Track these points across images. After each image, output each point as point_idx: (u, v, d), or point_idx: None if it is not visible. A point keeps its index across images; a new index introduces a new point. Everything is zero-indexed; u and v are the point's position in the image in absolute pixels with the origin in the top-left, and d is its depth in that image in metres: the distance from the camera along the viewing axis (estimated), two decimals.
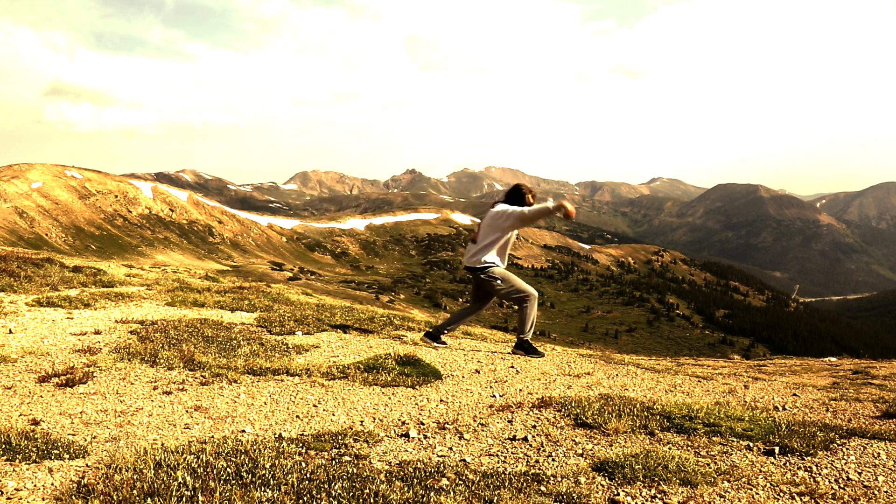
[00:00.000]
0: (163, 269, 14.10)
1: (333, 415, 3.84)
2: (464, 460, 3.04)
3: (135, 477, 2.49)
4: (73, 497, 2.37)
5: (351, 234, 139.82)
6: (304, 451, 3.04)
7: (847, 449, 3.23)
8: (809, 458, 3.10)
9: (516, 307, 6.29)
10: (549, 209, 5.74)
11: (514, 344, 6.48)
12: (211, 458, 2.73)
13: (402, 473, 2.76)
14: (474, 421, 3.71)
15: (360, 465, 2.84)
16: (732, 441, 3.33)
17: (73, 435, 3.26)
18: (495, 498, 2.53)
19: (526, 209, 5.96)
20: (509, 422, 3.69)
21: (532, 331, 6.27)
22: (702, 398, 4.47)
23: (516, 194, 6.19)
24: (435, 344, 6.42)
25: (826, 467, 2.98)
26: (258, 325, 6.87)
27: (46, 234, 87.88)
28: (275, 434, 3.39)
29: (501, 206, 6.12)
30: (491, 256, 6.16)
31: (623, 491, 2.68)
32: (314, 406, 4.01)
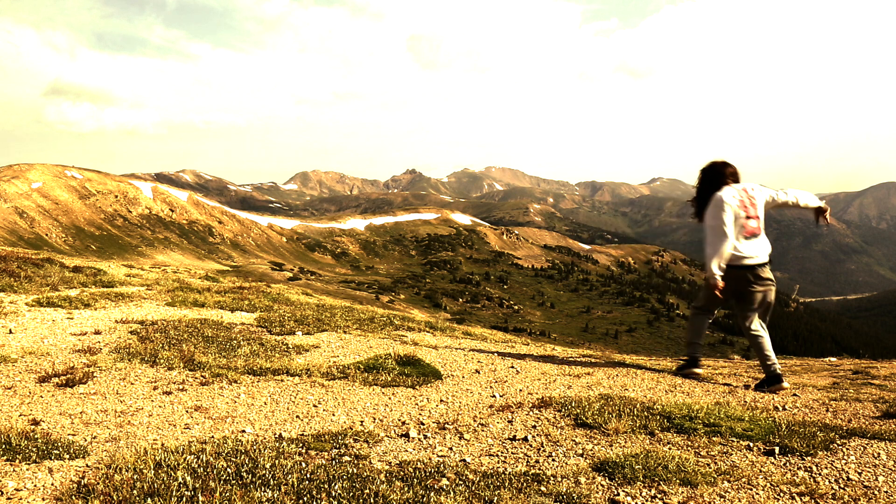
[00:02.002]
0: (163, 269, 14.10)
1: (333, 415, 3.84)
2: (464, 460, 3.04)
3: (135, 477, 2.49)
4: (73, 497, 2.37)
5: (351, 234, 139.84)
6: (304, 451, 3.04)
7: (847, 449, 3.23)
8: (809, 458, 3.10)
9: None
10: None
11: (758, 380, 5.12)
12: (211, 458, 2.73)
13: (402, 473, 2.76)
14: (474, 421, 3.71)
15: (360, 465, 2.84)
16: (732, 441, 3.33)
17: (73, 435, 3.26)
18: (495, 498, 2.53)
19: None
20: (509, 422, 3.69)
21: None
22: (702, 398, 4.47)
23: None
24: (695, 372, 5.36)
25: (826, 467, 2.98)
26: (258, 326, 6.87)
27: (46, 235, 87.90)
28: (275, 434, 3.39)
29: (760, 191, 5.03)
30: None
31: (623, 491, 2.68)
32: (314, 406, 4.01)
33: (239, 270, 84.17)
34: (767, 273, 5.00)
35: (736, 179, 5.06)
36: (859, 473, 2.91)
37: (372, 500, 2.43)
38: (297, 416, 3.78)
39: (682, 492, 2.67)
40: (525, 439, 3.36)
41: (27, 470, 2.65)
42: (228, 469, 2.62)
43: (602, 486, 2.74)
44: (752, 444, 3.28)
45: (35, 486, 2.51)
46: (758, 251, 4.94)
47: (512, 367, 5.48)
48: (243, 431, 3.45)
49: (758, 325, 5.05)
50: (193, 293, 8.75)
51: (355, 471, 2.72)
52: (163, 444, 3.07)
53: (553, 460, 3.07)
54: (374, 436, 3.37)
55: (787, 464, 3.04)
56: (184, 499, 2.33)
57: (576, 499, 2.58)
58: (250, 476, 2.57)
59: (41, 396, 3.92)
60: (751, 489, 2.72)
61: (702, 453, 3.16)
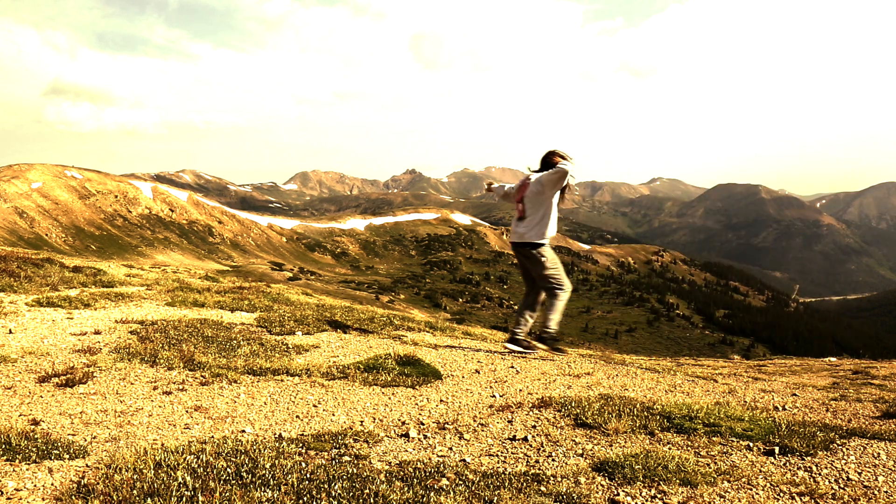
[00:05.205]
0: (163, 269, 14.10)
1: (333, 415, 3.84)
2: (464, 460, 3.04)
3: (135, 477, 2.48)
4: (73, 497, 2.37)
5: (351, 234, 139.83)
6: (304, 451, 3.04)
7: (847, 449, 3.23)
8: (809, 458, 3.10)
9: (545, 297, 6.09)
10: (563, 171, 5.68)
11: (510, 337, 6.20)
12: (211, 458, 2.73)
13: (402, 473, 2.76)
14: (474, 421, 3.71)
15: (360, 465, 2.84)
16: (732, 441, 3.33)
17: (73, 435, 3.26)
18: (495, 498, 2.53)
19: (545, 173, 5.81)
20: (509, 422, 3.69)
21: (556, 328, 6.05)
22: (702, 398, 4.47)
23: (547, 160, 5.95)
24: (521, 350, 6.15)
25: (826, 467, 2.98)
26: (258, 326, 6.86)
27: (46, 235, 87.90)
28: (275, 434, 3.39)
29: (535, 176, 5.95)
30: (540, 232, 5.99)
31: (623, 491, 2.68)
32: (314, 406, 4.01)
33: (239, 270, 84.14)
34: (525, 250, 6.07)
35: (549, 166, 5.93)
36: (859, 473, 2.91)
37: (372, 500, 2.43)
38: (297, 416, 3.78)
39: (682, 492, 2.67)
40: (525, 439, 3.36)
41: (27, 470, 2.65)
42: (228, 469, 2.62)
43: (602, 486, 2.74)
44: (752, 444, 3.28)
45: (35, 486, 2.51)
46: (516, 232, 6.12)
47: (512, 367, 5.48)
48: (243, 431, 3.45)
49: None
50: (193, 293, 8.75)
51: (355, 471, 2.72)
52: (163, 444, 3.07)
53: (553, 460, 3.07)
54: (374, 436, 3.37)
55: (787, 464, 3.04)
56: (184, 499, 2.33)
57: (576, 499, 2.58)
58: (250, 476, 2.57)
59: (41, 396, 3.92)
60: (751, 489, 2.72)
61: (702, 453, 3.16)
